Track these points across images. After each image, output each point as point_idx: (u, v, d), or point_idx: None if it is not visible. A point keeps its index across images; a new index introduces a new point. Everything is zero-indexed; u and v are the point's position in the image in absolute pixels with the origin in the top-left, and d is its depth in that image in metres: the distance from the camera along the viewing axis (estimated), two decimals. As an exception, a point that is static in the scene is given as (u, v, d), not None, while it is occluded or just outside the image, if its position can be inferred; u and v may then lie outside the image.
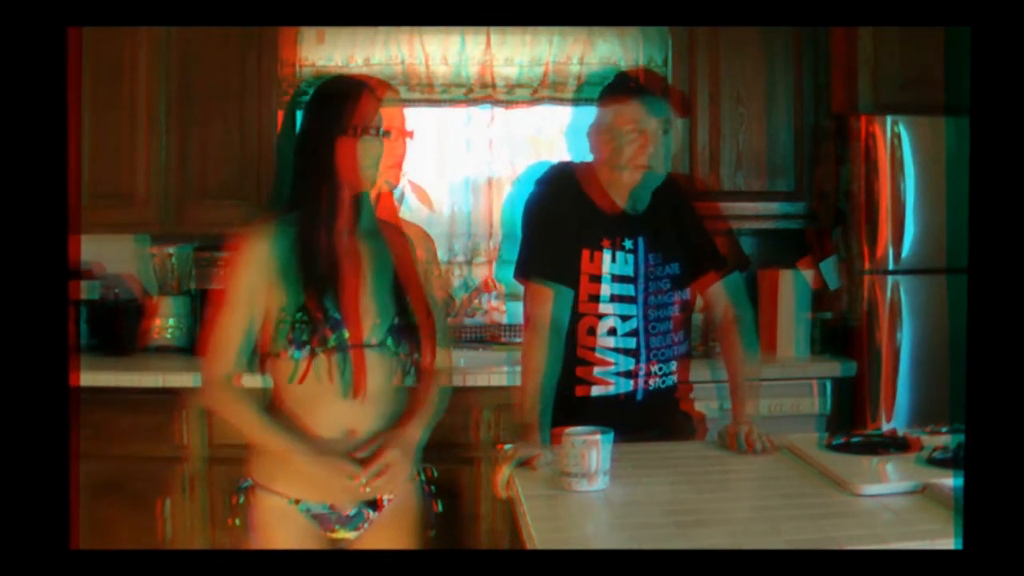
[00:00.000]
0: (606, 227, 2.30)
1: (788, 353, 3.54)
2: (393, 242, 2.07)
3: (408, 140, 2.07)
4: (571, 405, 2.24)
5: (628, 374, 2.31)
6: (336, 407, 1.94)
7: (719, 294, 2.41)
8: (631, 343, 2.31)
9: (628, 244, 2.31)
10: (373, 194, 2.04)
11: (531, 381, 2.20)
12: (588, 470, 1.85)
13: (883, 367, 3.36)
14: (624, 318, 2.30)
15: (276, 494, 1.97)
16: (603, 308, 2.29)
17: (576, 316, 2.29)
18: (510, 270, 2.42)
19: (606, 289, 2.29)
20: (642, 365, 2.31)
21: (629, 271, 2.31)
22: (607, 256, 2.29)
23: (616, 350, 2.30)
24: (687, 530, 1.66)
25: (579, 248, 2.28)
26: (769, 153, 3.64)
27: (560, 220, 2.29)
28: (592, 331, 2.30)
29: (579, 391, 2.30)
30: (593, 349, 2.30)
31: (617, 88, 2.33)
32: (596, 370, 2.30)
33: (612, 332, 2.30)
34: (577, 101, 3.69)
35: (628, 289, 2.31)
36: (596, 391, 2.30)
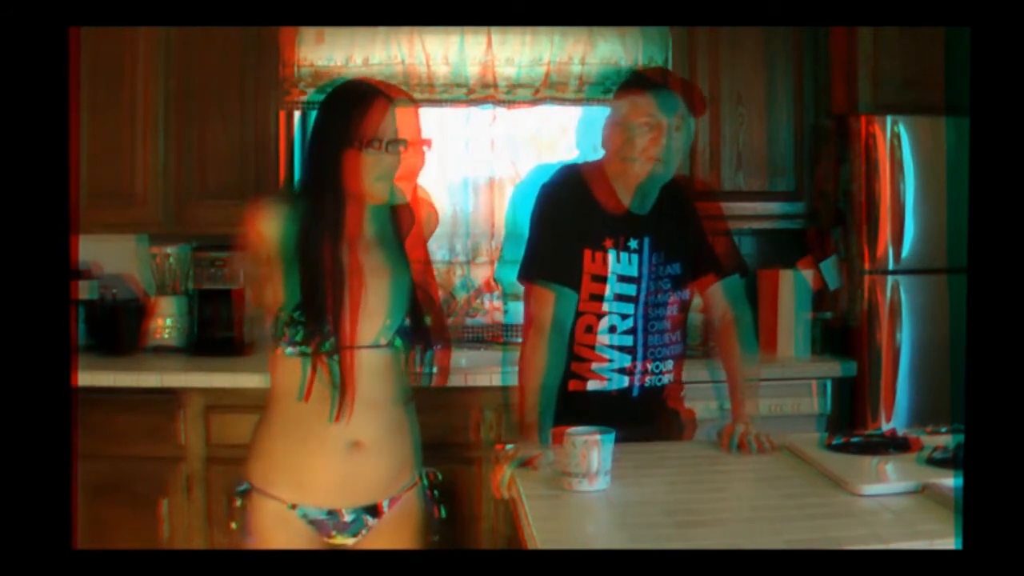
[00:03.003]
0: (610, 227, 2.30)
1: (788, 353, 3.54)
2: (411, 240, 2.02)
3: (426, 150, 1.96)
4: (565, 399, 2.24)
5: (624, 371, 2.32)
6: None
7: (718, 295, 2.41)
8: (628, 341, 2.32)
9: (633, 244, 2.31)
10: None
11: (531, 382, 2.21)
12: (589, 470, 1.85)
13: (883, 367, 3.36)
14: (623, 316, 2.31)
15: (274, 499, 1.95)
16: (604, 307, 2.30)
17: (575, 314, 2.29)
18: (511, 270, 2.42)
19: (609, 289, 2.30)
20: (638, 363, 2.33)
21: (633, 271, 2.31)
22: (611, 256, 2.29)
23: (613, 347, 2.31)
24: (687, 530, 1.66)
25: (581, 248, 2.29)
26: (769, 153, 3.64)
27: (564, 222, 2.30)
28: (590, 329, 2.31)
29: (573, 385, 2.30)
30: (591, 347, 2.31)
31: (632, 82, 2.34)
32: (592, 366, 2.31)
33: (611, 330, 2.31)
34: (578, 101, 3.70)
35: (630, 289, 2.31)
36: (591, 386, 2.31)
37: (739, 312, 2.41)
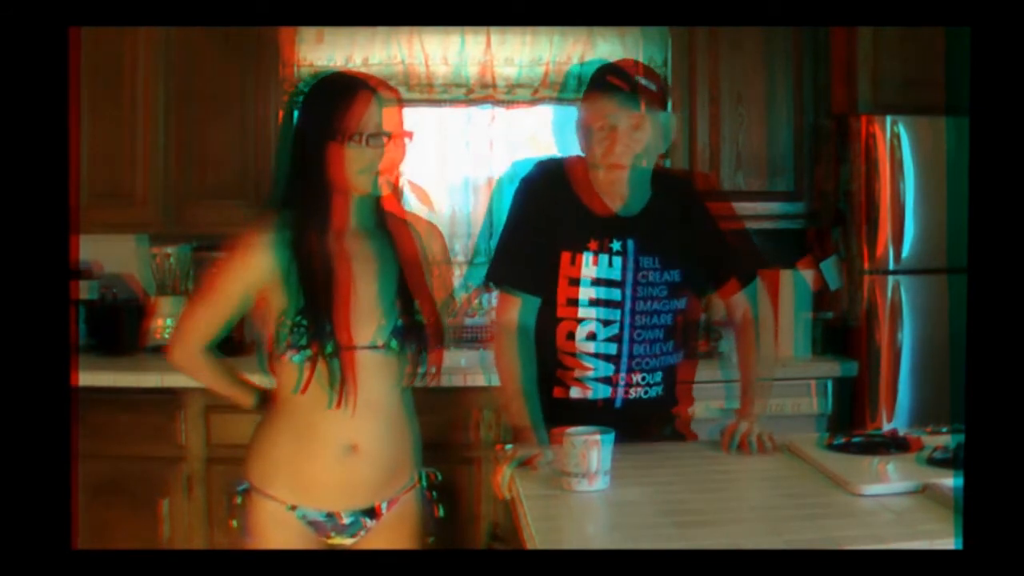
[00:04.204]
0: (593, 228, 2.23)
1: (788, 353, 3.53)
2: (400, 239, 2.02)
3: (407, 142, 1.97)
4: (549, 406, 2.19)
5: (607, 380, 2.24)
6: (337, 418, 1.91)
7: (740, 299, 2.36)
8: (612, 349, 2.23)
9: (616, 246, 2.22)
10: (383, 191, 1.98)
11: (510, 385, 2.18)
12: (588, 470, 1.85)
13: (883, 367, 3.36)
14: (606, 323, 2.23)
15: (272, 499, 1.95)
16: (582, 312, 2.22)
17: (555, 320, 2.24)
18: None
19: (586, 293, 2.22)
20: (622, 374, 2.24)
21: (615, 275, 2.22)
22: (589, 259, 2.22)
23: (596, 355, 2.23)
24: (687, 530, 1.66)
25: (559, 251, 2.22)
26: (769, 153, 3.64)
27: (539, 223, 2.23)
28: (571, 335, 2.23)
29: (558, 392, 2.25)
30: (572, 354, 2.24)
31: (590, 84, 2.26)
32: (575, 374, 2.24)
33: (592, 337, 2.23)
34: (578, 101, 3.68)
35: (613, 294, 2.23)
36: (574, 394, 2.25)
37: (758, 312, 2.36)
